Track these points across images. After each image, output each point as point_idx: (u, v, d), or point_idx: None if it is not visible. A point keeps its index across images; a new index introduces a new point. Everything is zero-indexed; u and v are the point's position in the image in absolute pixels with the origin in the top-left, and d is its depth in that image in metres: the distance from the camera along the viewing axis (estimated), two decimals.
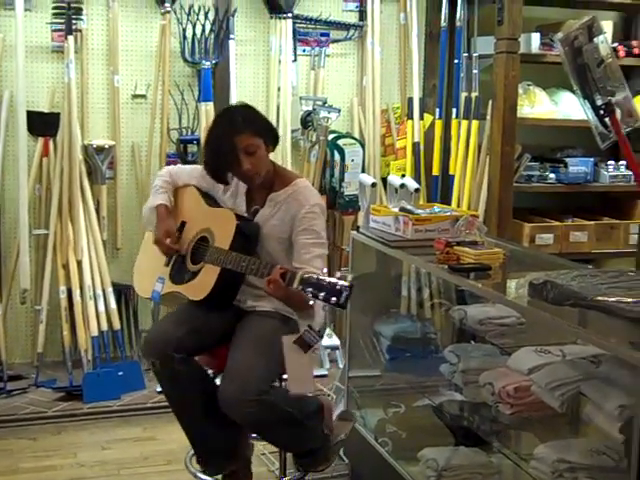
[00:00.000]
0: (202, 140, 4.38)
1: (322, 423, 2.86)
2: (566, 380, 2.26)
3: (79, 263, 4.29)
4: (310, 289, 2.50)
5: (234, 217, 2.85)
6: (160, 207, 2.99)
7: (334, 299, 2.46)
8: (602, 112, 3.19)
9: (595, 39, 3.23)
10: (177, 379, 2.74)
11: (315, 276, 2.52)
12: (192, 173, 3.10)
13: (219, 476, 2.92)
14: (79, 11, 4.29)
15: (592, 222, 4.68)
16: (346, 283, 2.48)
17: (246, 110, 2.92)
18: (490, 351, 2.94)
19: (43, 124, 4.32)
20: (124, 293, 4.43)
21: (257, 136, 2.80)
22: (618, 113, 3.19)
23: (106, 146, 4.40)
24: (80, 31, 4.32)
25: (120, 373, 4.21)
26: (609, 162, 4.77)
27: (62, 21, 4.26)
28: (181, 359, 2.70)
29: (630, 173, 4.66)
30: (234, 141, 2.76)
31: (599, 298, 2.04)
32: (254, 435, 2.93)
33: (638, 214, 4.75)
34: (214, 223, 2.89)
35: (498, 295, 2.49)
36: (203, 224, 2.94)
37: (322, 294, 2.48)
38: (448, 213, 3.06)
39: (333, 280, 2.49)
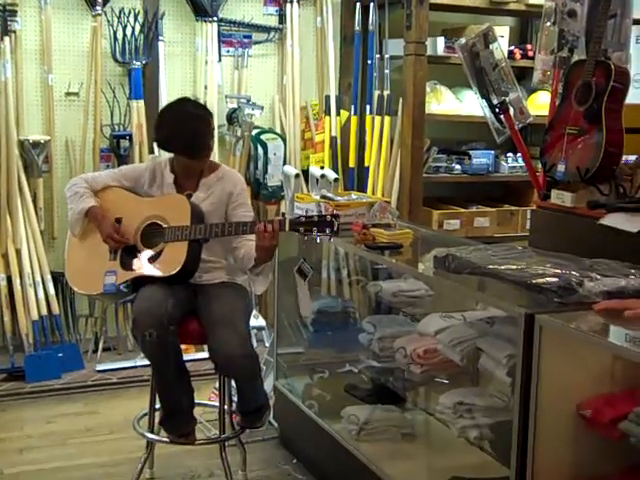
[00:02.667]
0: (135, 135, 4.69)
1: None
2: (465, 338, 2.68)
3: (18, 252, 4.52)
4: (302, 228, 2.91)
5: (184, 197, 3.19)
6: (93, 209, 3.26)
7: (328, 229, 2.89)
8: (497, 110, 3.61)
9: (490, 45, 3.65)
10: (166, 348, 3.03)
11: (300, 218, 2.93)
12: (110, 175, 3.40)
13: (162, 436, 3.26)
14: (13, 13, 4.48)
15: (494, 209, 5.15)
16: (333, 214, 2.90)
17: (198, 101, 3.53)
18: (402, 321, 3.35)
19: None
20: (61, 280, 4.66)
21: (213, 122, 3.30)
22: (511, 111, 3.62)
23: (41, 141, 4.61)
24: (15, 32, 4.52)
25: (60, 354, 4.48)
26: (508, 154, 5.23)
27: None
28: (173, 330, 3.03)
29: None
30: (207, 124, 3.21)
31: (490, 267, 2.45)
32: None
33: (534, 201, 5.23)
34: (161, 209, 3.20)
35: (408, 268, 2.89)
36: (146, 213, 3.23)
37: (315, 228, 2.89)
38: (364, 200, 3.45)
39: (320, 215, 2.90)
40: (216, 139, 4.82)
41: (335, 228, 2.90)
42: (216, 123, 4.77)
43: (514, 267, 2.42)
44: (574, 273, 2.32)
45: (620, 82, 3.11)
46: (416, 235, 3.19)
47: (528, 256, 2.59)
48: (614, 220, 2.93)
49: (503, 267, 2.44)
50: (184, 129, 3.19)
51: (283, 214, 3.05)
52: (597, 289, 2.25)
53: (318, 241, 3.21)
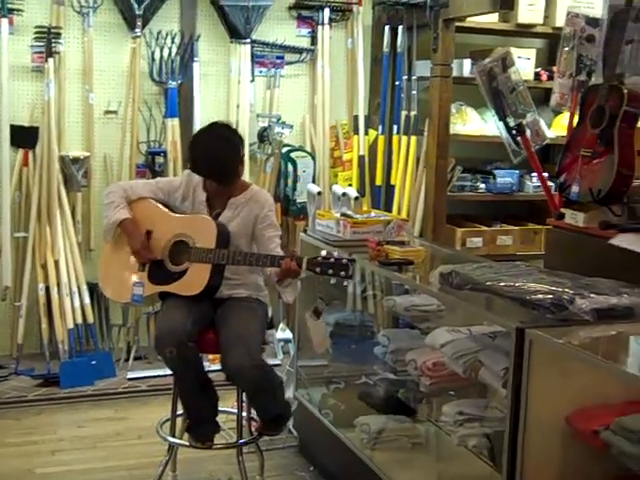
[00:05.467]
0: (170, 152, 4.89)
1: (284, 394, 3.40)
2: (467, 350, 2.79)
3: (56, 263, 4.74)
4: (318, 269, 3.04)
5: (212, 220, 3.33)
6: (126, 221, 3.40)
7: (343, 273, 3.01)
8: (514, 132, 3.73)
9: (508, 69, 3.77)
10: (188, 363, 3.22)
11: (318, 258, 3.06)
12: (146, 187, 3.52)
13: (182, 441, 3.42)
14: (58, 35, 4.71)
15: (517, 227, 5.24)
16: (349, 257, 3.04)
17: (231, 126, 3.56)
18: (416, 334, 3.47)
19: (24, 137, 4.74)
20: (97, 290, 4.83)
21: (243, 148, 3.40)
22: (528, 133, 3.73)
23: (81, 157, 4.84)
24: (58, 53, 4.75)
25: (93, 362, 4.68)
26: (533, 174, 5.32)
27: (42, 44, 4.69)
28: (192, 346, 3.20)
29: (551, 184, 5.21)
30: (237, 152, 3.33)
31: (489, 283, 2.57)
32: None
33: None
34: (190, 228, 3.34)
35: (415, 283, 3.02)
36: (176, 230, 3.37)
37: (331, 271, 3.02)
38: (381, 217, 3.58)
39: (337, 257, 3.03)
40: (247, 156, 5.03)
41: (350, 272, 3.01)
42: (247, 141, 5.05)
43: (512, 284, 2.53)
44: (567, 291, 2.43)
45: (633, 106, 3.19)
46: (429, 253, 3.31)
47: (528, 274, 2.69)
48: (624, 240, 3.02)
49: (502, 284, 2.56)
50: (211, 155, 3.29)
51: (296, 255, 3.16)
52: (588, 307, 2.35)
53: (332, 282, 3.38)
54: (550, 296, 2.40)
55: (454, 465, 3.11)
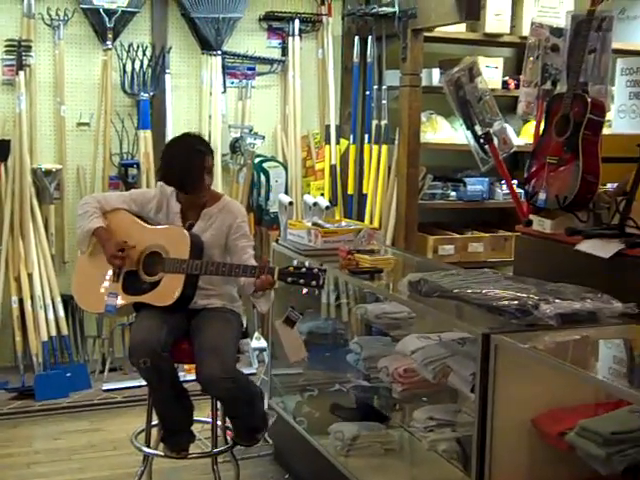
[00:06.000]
0: (142, 164, 4.91)
1: (263, 406, 3.43)
2: (437, 357, 2.84)
3: (30, 275, 4.74)
4: (290, 279, 3.08)
5: (185, 231, 3.37)
6: (100, 229, 3.43)
7: (314, 282, 3.05)
8: (482, 140, 3.79)
9: (475, 79, 3.83)
10: (162, 373, 3.25)
11: (289, 268, 3.11)
12: (120, 199, 3.55)
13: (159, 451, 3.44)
14: (29, 48, 4.73)
15: (488, 234, 5.31)
16: (320, 267, 3.08)
17: (201, 137, 3.56)
18: (387, 342, 3.51)
19: None
20: (71, 302, 4.85)
21: (212, 159, 3.43)
22: (495, 141, 3.79)
23: (53, 169, 4.85)
24: (29, 66, 4.76)
25: (68, 374, 4.68)
26: (503, 181, 5.38)
27: (13, 57, 4.70)
28: (166, 356, 3.23)
29: (520, 191, 5.28)
30: (202, 161, 3.33)
31: (456, 290, 2.62)
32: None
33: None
34: (163, 239, 3.37)
35: (385, 291, 3.06)
36: (149, 241, 3.40)
37: (302, 280, 3.06)
38: (352, 227, 3.63)
39: (308, 267, 3.09)
40: (219, 167, 5.07)
41: (321, 282, 3.06)
42: (220, 152, 5.09)
43: (479, 291, 2.58)
44: (532, 296, 2.48)
45: (597, 114, 3.26)
46: (398, 261, 3.36)
47: (495, 280, 2.75)
48: (590, 246, 3.08)
49: (469, 291, 2.61)
50: (178, 165, 3.33)
51: (269, 265, 3.20)
52: (552, 312, 2.41)
53: (304, 291, 3.41)
54: (515, 302, 2.46)
55: (426, 470, 3.15)
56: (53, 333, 4.74)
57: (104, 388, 4.71)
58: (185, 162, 3.33)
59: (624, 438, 2.13)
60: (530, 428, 2.35)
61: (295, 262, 3.19)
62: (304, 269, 3.09)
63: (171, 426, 3.40)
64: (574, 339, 2.41)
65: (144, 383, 4.54)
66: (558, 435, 2.25)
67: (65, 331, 4.80)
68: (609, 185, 3.57)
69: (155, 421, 3.46)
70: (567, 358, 2.28)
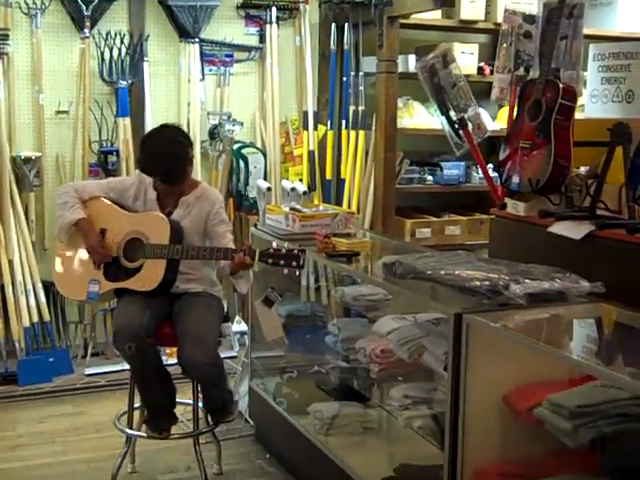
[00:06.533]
0: (122, 151, 4.94)
1: (227, 383, 3.53)
2: (412, 337, 2.92)
3: (10, 262, 4.76)
4: (270, 260, 3.16)
5: (165, 217, 3.42)
6: (82, 221, 3.47)
7: (294, 263, 3.14)
8: (457, 126, 3.86)
9: (449, 65, 3.90)
10: (146, 357, 3.32)
11: (269, 250, 3.19)
12: (98, 187, 3.60)
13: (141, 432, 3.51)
14: (5, 37, 4.71)
15: (464, 218, 5.39)
16: (300, 248, 3.16)
17: (180, 128, 3.61)
18: (365, 323, 3.59)
19: None
20: (52, 289, 4.86)
21: (192, 149, 3.48)
22: (470, 126, 3.87)
23: (33, 157, 4.86)
24: (7, 55, 4.76)
25: (51, 359, 4.73)
26: (478, 165, 5.47)
27: None
28: (151, 341, 3.30)
29: (496, 175, 5.36)
30: (185, 153, 3.38)
31: (429, 272, 2.69)
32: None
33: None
34: (143, 225, 3.42)
35: (361, 273, 3.14)
36: (129, 227, 3.45)
37: (282, 261, 3.14)
38: (329, 211, 3.69)
39: (288, 248, 3.16)
40: (199, 154, 5.11)
41: (301, 262, 3.14)
42: (199, 138, 5.13)
43: (451, 272, 2.66)
44: (503, 277, 2.56)
45: (568, 99, 3.33)
46: (375, 244, 3.43)
47: (467, 262, 2.83)
48: (561, 228, 3.17)
49: (442, 272, 2.69)
50: (159, 157, 3.37)
51: (250, 247, 3.26)
52: (522, 291, 2.49)
53: (285, 272, 3.47)
54: (487, 282, 2.54)
55: (403, 447, 3.23)
56: (35, 319, 4.78)
57: (87, 373, 4.76)
58: (168, 155, 3.37)
59: (589, 411, 2.21)
60: (501, 404, 2.44)
61: (274, 244, 3.26)
62: (284, 250, 3.17)
63: (154, 408, 3.47)
64: (543, 317, 2.50)
65: (126, 367, 4.62)
66: (527, 410, 2.34)
67: (47, 317, 4.84)
68: (582, 168, 3.65)
69: (137, 403, 3.53)
70: (536, 336, 2.36)
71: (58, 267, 3.61)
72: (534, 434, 2.38)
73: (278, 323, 3.56)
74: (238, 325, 5.14)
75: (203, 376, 3.33)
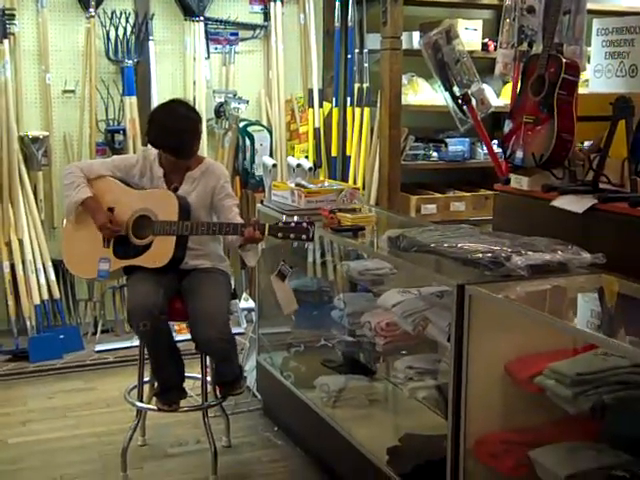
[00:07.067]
0: (129, 129, 4.98)
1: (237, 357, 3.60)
2: (416, 309, 2.96)
3: (20, 241, 4.83)
4: (280, 234, 3.20)
5: (172, 194, 3.45)
6: (89, 199, 3.49)
7: (304, 236, 3.18)
8: (460, 101, 3.88)
9: (453, 41, 3.91)
10: (160, 334, 3.37)
11: (278, 224, 3.23)
12: (103, 166, 3.62)
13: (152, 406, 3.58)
14: (12, 17, 4.76)
15: (469, 194, 5.42)
16: (309, 221, 3.21)
17: (189, 104, 3.67)
18: (369, 297, 3.63)
19: None
20: (62, 267, 4.90)
21: (201, 124, 3.55)
22: (474, 102, 3.89)
23: (40, 136, 4.90)
24: (13, 34, 4.80)
25: (61, 336, 4.80)
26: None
27: None
28: (165, 318, 3.36)
29: (500, 150, 5.38)
30: (196, 127, 3.44)
31: (433, 245, 2.73)
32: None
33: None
34: (151, 202, 3.45)
35: (366, 247, 3.18)
36: (137, 205, 3.47)
37: (292, 235, 3.18)
38: (334, 187, 3.73)
39: (297, 221, 3.21)
40: (205, 132, 5.13)
41: (311, 235, 3.18)
42: (205, 117, 5.16)
43: (454, 245, 2.70)
44: (505, 249, 2.60)
45: (571, 74, 3.35)
46: (379, 219, 3.47)
47: (470, 235, 2.86)
48: (564, 202, 3.20)
49: (446, 245, 2.72)
50: (171, 130, 3.40)
51: (257, 221, 3.31)
52: (523, 263, 2.53)
53: (295, 245, 3.51)
54: (489, 254, 2.57)
55: (409, 418, 3.29)
56: (45, 297, 4.84)
57: (96, 349, 4.83)
58: (179, 128, 3.40)
59: (589, 379, 2.26)
60: (503, 374, 2.48)
61: (284, 217, 3.30)
62: (293, 223, 3.20)
63: (165, 383, 3.51)
64: (544, 288, 2.53)
65: (135, 344, 4.72)
66: (528, 379, 2.38)
67: (57, 294, 4.91)
68: (585, 143, 3.67)
69: (147, 377, 3.59)
70: (538, 306, 2.40)
71: (67, 246, 3.65)
72: (536, 403, 2.43)
73: (292, 296, 3.61)
74: (245, 302, 5.19)
75: (217, 351, 3.39)
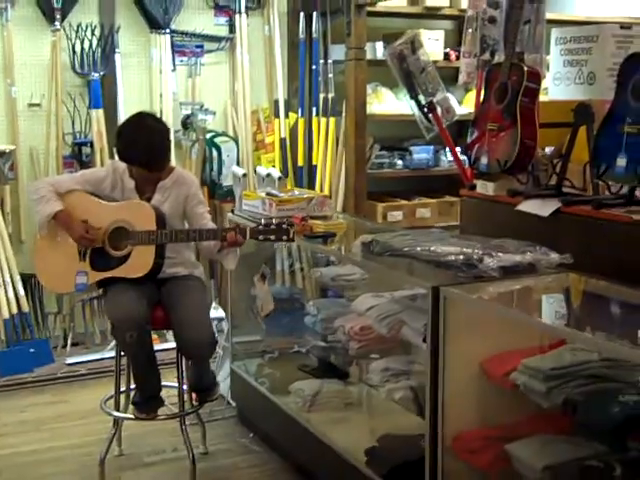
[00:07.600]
0: (96, 142, 5.00)
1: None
2: (390, 312, 3.03)
3: None
4: (261, 236, 3.25)
5: (147, 204, 3.47)
6: (60, 213, 3.47)
7: (285, 237, 3.23)
8: (426, 110, 3.98)
9: (417, 51, 4.01)
10: (144, 344, 3.39)
11: (259, 226, 3.27)
12: (72, 180, 3.61)
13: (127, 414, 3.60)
14: None
15: (435, 200, 5.52)
16: (288, 221, 3.26)
17: (157, 116, 3.76)
18: (342, 302, 3.69)
19: None
20: (30, 281, 4.92)
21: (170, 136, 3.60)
22: (439, 110, 3.98)
23: (6, 150, 4.88)
24: None
25: (31, 350, 4.77)
26: (447, 149, 5.58)
27: None
28: (149, 328, 3.40)
29: (465, 157, 5.48)
30: (167, 140, 3.50)
31: (406, 249, 2.81)
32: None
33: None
34: (126, 214, 3.45)
35: (339, 253, 3.24)
36: (112, 217, 3.46)
37: (273, 236, 3.23)
38: (305, 195, 3.79)
39: (276, 223, 3.25)
40: (173, 144, 5.15)
41: (291, 235, 3.23)
42: (172, 129, 5.18)
43: (427, 248, 2.77)
44: (477, 251, 2.68)
45: (533, 82, 3.44)
46: (350, 225, 3.53)
47: (442, 239, 2.94)
48: (529, 206, 3.29)
49: (418, 249, 2.80)
50: (142, 143, 3.40)
51: (238, 225, 3.36)
52: (495, 264, 2.61)
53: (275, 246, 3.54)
54: (461, 257, 2.65)
55: (385, 420, 3.34)
56: (14, 311, 4.81)
57: (67, 362, 4.82)
58: (150, 141, 3.41)
59: (562, 373, 2.34)
60: (479, 372, 2.56)
61: (262, 220, 3.35)
62: (274, 225, 3.24)
63: (147, 392, 3.53)
64: (516, 288, 2.62)
65: (107, 355, 4.75)
66: (504, 375, 2.46)
67: (26, 308, 4.88)
68: (547, 149, 3.77)
69: (123, 387, 3.61)
70: (510, 305, 2.48)
71: (41, 262, 3.61)
72: (511, 398, 2.51)
73: (270, 297, 3.67)
74: (215, 311, 5.20)
75: (207, 355, 3.48)
